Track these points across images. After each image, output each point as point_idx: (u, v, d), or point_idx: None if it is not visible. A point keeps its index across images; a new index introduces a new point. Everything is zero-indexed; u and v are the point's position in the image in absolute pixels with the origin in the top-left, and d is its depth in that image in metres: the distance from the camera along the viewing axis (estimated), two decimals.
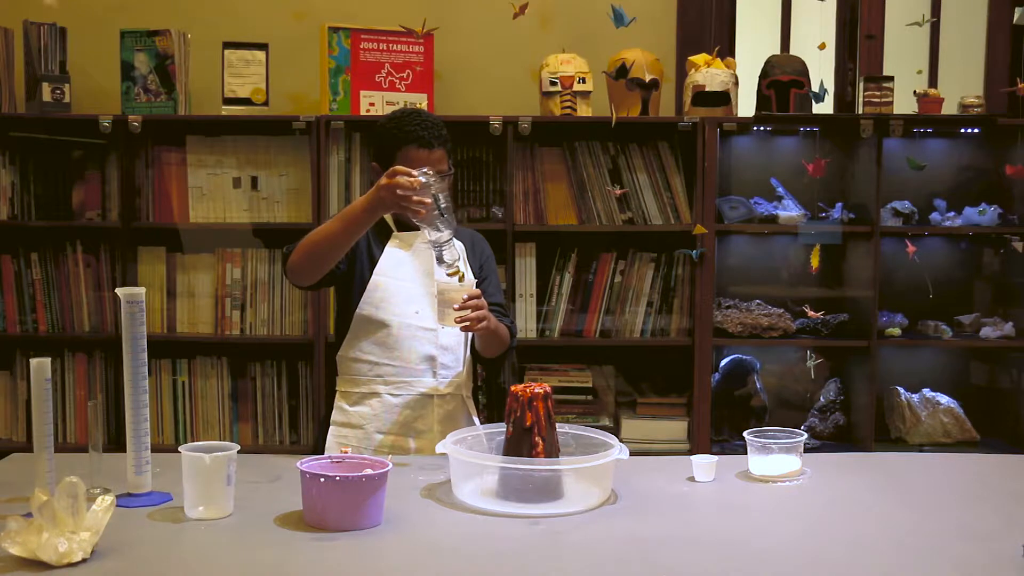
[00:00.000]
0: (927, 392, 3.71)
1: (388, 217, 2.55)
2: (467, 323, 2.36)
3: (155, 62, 3.55)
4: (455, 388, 2.55)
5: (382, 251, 2.53)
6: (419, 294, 2.51)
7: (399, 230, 2.55)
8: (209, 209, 3.63)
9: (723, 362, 3.75)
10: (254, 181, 3.64)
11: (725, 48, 3.86)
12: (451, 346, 2.54)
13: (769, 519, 1.99)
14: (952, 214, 3.67)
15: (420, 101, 3.59)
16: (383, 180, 2.27)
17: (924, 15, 3.65)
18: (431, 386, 2.51)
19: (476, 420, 2.56)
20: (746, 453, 2.27)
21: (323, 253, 2.37)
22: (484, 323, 2.40)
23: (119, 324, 2.13)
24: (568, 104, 3.53)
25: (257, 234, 3.63)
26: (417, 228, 2.50)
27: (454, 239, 2.54)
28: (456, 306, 2.36)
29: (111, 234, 3.62)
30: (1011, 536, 1.83)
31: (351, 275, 2.51)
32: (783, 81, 3.52)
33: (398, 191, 2.24)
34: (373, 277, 2.50)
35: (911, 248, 3.45)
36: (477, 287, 2.58)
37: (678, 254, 3.58)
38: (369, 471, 1.89)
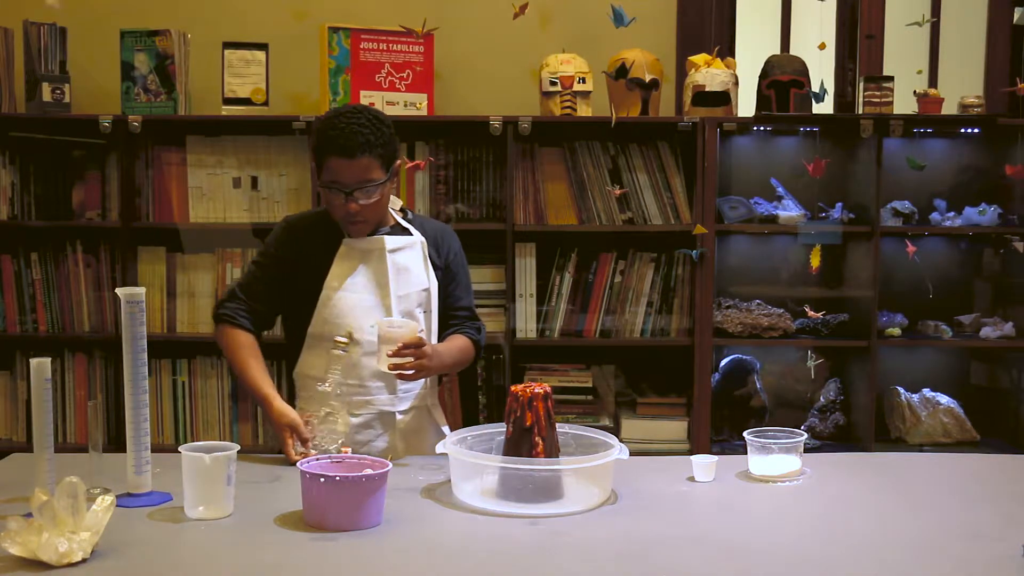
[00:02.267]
0: (927, 392, 3.71)
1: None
2: (403, 372, 2.25)
3: (155, 62, 3.55)
4: (418, 400, 2.46)
5: (332, 259, 2.40)
6: (373, 306, 2.39)
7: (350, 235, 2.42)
8: (209, 209, 3.63)
9: (723, 362, 3.75)
10: (254, 181, 3.64)
11: (725, 48, 3.86)
12: None
13: (769, 519, 1.99)
14: (952, 214, 3.67)
15: (420, 101, 3.59)
16: (282, 431, 2.28)
17: (924, 15, 3.65)
18: (390, 403, 2.42)
19: (445, 430, 2.48)
20: (746, 453, 2.27)
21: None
22: (424, 371, 2.29)
23: (119, 324, 2.14)
24: (568, 104, 3.52)
25: (257, 234, 3.62)
26: (370, 234, 2.41)
27: (416, 234, 2.47)
28: (390, 352, 2.24)
29: (111, 234, 3.62)
30: (1011, 536, 1.83)
31: (299, 289, 2.39)
32: (783, 81, 3.52)
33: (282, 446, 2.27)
34: (324, 291, 2.38)
35: (911, 248, 3.45)
36: (441, 287, 2.49)
37: (678, 254, 3.58)
38: (369, 471, 1.89)
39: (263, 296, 2.45)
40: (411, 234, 2.48)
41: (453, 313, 2.54)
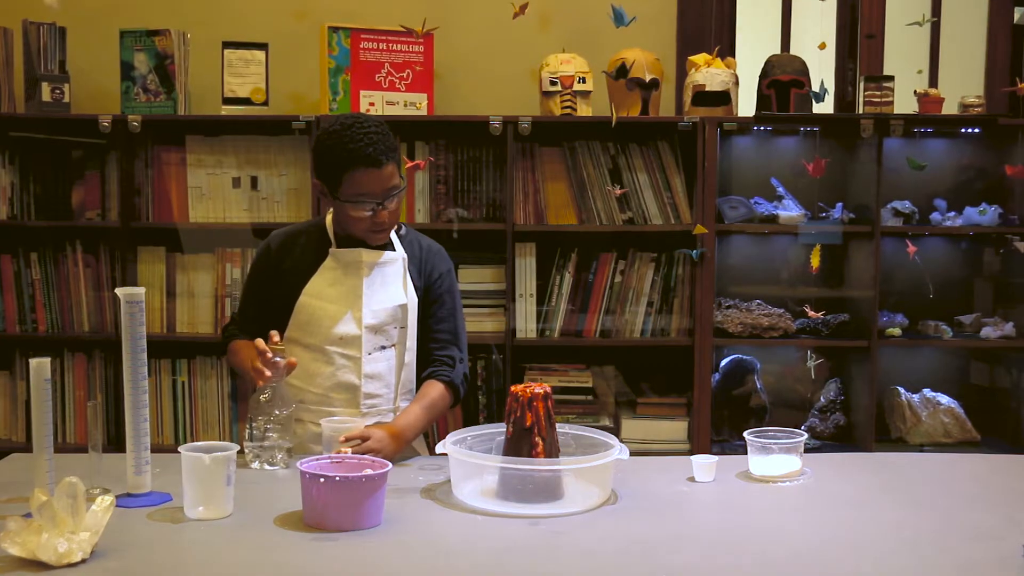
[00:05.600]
0: (927, 392, 3.71)
1: (329, 230, 2.41)
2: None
3: (155, 62, 3.55)
4: (385, 416, 2.41)
5: (315, 269, 2.38)
6: (346, 318, 2.36)
7: (339, 245, 2.40)
8: (209, 209, 3.63)
9: (723, 362, 3.75)
10: (254, 181, 3.64)
11: (725, 48, 3.86)
12: (379, 373, 2.40)
13: (769, 519, 1.99)
14: (952, 214, 3.67)
15: (420, 101, 3.59)
16: (259, 369, 2.17)
17: (924, 15, 3.65)
18: (353, 416, 2.36)
19: (421, 446, 2.41)
20: (746, 453, 2.27)
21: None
22: (381, 456, 2.19)
23: (119, 324, 2.13)
24: (568, 104, 3.52)
25: (257, 234, 3.62)
26: (357, 244, 2.38)
27: (399, 250, 2.43)
28: (332, 452, 2.18)
29: (111, 234, 3.62)
30: (1011, 536, 1.84)
31: (284, 299, 2.39)
32: (783, 81, 3.52)
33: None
34: (301, 298, 2.37)
35: (911, 248, 3.45)
36: (422, 308, 2.46)
37: (678, 254, 3.58)
38: (369, 471, 1.89)
39: (258, 316, 2.44)
40: (394, 250, 2.45)
41: (433, 336, 2.48)
